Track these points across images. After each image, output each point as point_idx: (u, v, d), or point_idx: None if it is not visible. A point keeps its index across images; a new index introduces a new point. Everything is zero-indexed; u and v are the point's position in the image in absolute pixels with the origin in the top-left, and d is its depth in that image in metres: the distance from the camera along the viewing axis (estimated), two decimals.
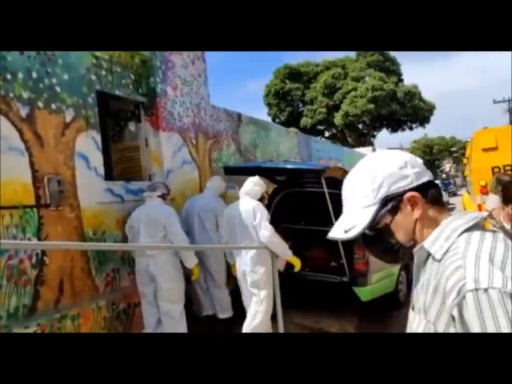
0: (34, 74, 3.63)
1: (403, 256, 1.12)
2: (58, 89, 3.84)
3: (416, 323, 1.04)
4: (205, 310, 4.73)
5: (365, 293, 4.74)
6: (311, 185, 5.19)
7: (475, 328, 0.85)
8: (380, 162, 1.07)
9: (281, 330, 3.95)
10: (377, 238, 1.09)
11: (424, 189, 1.05)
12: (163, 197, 4.30)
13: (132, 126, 5.34)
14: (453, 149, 49.40)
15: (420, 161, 1.11)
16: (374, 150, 22.11)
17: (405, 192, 1.04)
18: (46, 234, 3.60)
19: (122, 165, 5.32)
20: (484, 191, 6.85)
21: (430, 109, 28.57)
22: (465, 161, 10.40)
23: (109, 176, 4.72)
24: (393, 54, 28.84)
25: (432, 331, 0.97)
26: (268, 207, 5.45)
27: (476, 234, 0.97)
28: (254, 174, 5.70)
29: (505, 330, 0.83)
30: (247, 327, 4.02)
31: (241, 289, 4.20)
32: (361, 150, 18.89)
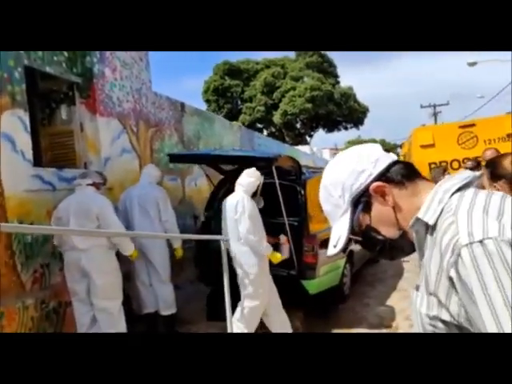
0: None
1: (403, 247, 1.04)
2: None
3: (419, 299, 0.95)
4: (146, 308, 4.42)
5: (313, 286, 4.67)
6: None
7: (475, 287, 0.76)
8: (336, 167, 1.05)
9: (229, 325, 3.76)
10: (366, 241, 1.05)
11: (389, 173, 0.99)
12: (96, 186, 3.90)
13: (65, 109, 4.88)
14: None
15: (376, 147, 1.05)
16: (311, 149, 22.57)
17: (368, 186, 0.99)
18: None
19: (53, 151, 4.84)
20: None
21: (363, 111, 29.68)
22: (402, 159, 10.83)
23: (38, 162, 4.27)
24: (331, 55, 29.65)
25: (436, 305, 0.88)
26: (214, 199, 5.24)
27: (470, 191, 0.90)
28: (200, 162, 5.47)
29: (507, 286, 0.72)
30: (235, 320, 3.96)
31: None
32: (300, 148, 19.14)
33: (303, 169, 4.90)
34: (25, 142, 3.79)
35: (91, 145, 4.76)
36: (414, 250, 1.03)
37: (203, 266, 5.08)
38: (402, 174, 0.99)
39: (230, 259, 3.96)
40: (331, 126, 30.44)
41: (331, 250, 1.04)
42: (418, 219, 0.93)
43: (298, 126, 29.74)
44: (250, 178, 4.16)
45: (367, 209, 1.01)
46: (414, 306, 1.00)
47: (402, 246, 1.03)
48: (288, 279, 4.71)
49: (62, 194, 4.04)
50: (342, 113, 28.15)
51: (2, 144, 3.51)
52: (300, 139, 28.93)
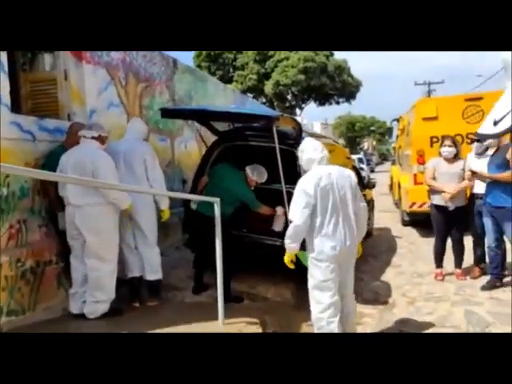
0: None
1: None
2: None
3: None
4: (131, 272, 4.16)
5: (307, 257, 4.45)
6: (256, 138, 4.72)
7: None
8: None
9: (220, 295, 3.53)
10: None
11: None
12: (101, 140, 3.76)
13: (48, 54, 4.44)
14: (372, 128, 51.89)
15: None
16: (302, 121, 22.22)
17: None
18: None
19: (34, 99, 4.43)
20: (421, 160, 6.89)
21: (356, 85, 29.27)
22: (398, 132, 10.57)
23: (17, 109, 3.90)
24: None
25: None
26: (207, 161, 4.92)
27: None
28: (194, 118, 5.10)
29: None
30: None
31: None
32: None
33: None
34: (2, 84, 3.42)
35: (76, 95, 4.38)
36: None
37: (191, 232, 4.82)
38: None
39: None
40: (323, 99, 30.01)
41: (487, 129, 0.83)
42: None
43: (289, 97, 29.24)
44: None
45: None
46: None
47: None
48: (281, 249, 4.49)
49: (43, 146, 3.73)
50: (335, 86, 27.72)
51: None
52: (291, 111, 28.50)
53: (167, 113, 4.65)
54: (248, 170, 4.40)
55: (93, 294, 3.63)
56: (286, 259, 3.22)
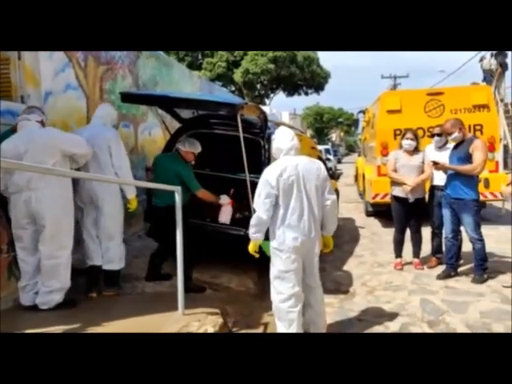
0: None
1: None
2: None
3: None
4: (91, 260, 4.02)
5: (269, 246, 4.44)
6: (220, 126, 4.65)
7: None
8: None
9: (180, 285, 3.48)
10: None
11: None
12: (42, 124, 3.64)
13: None
14: (339, 120, 52.49)
15: None
16: (271, 110, 22.15)
17: None
18: None
19: None
20: (385, 152, 7.00)
21: (325, 76, 29.41)
22: (364, 124, 10.70)
23: None
24: None
25: None
26: (170, 149, 4.81)
27: None
28: (156, 104, 4.96)
29: None
30: None
31: None
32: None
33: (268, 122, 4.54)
34: None
35: (30, 76, 4.15)
36: None
37: (153, 221, 4.72)
38: None
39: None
40: (292, 89, 30.02)
41: None
42: None
43: (259, 86, 29.10)
44: None
45: None
46: None
47: None
48: (244, 239, 4.45)
49: None
50: (304, 76, 27.74)
51: None
52: (259, 101, 28.38)
53: (128, 97, 4.49)
54: (179, 145, 4.39)
55: (46, 283, 3.49)
56: (251, 249, 3.19)
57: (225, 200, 4.49)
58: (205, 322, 3.38)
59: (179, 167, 4.20)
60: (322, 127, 50.03)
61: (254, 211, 3.10)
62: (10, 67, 4.14)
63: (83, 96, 4.88)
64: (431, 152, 5.06)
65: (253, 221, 3.09)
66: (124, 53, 5.90)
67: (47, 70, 4.28)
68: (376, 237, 6.92)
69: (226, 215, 4.48)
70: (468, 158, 4.40)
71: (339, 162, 32.40)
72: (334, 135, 58.77)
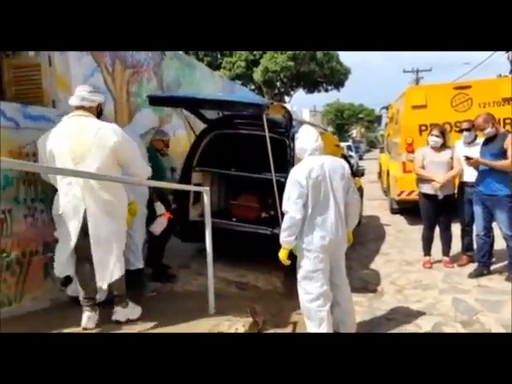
0: None
1: None
2: None
3: None
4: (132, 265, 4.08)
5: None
6: (246, 126, 4.67)
7: None
8: None
9: (210, 285, 3.52)
10: None
11: None
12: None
13: None
14: (360, 116, 51.95)
15: None
16: (292, 107, 22.10)
17: None
18: None
19: (18, 85, 4.30)
20: (410, 149, 6.90)
21: (345, 72, 29.14)
22: (387, 120, 10.56)
23: (0, 96, 3.79)
24: None
25: None
26: (195, 149, 4.87)
27: None
28: (183, 106, 5.01)
29: None
30: None
31: None
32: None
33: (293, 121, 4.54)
34: None
35: (60, 81, 4.26)
36: None
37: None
38: None
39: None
40: (311, 86, 29.85)
41: None
42: None
43: (278, 84, 29.03)
44: None
45: None
46: None
47: None
48: (271, 238, 4.47)
49: (27, 133, 3.62)
50: (324, 73, 27.54)
51: None
52: (279, 98, 28.31)
53: (155, 100, 4.57)
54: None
55: None
56: (282, 255, 3.11)
57: (160, 210, 4.20)
58: (235, 321, 3.41)
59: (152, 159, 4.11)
60: (342, 124, 49.60)
61: (283, 215, 3.09)
62: (41, 73, 4.26)
63: (111, 100, 4.97)
64: (460, 148, 4.97)
65: (285, 223, 3.05)
66: (149, 55, 5.98)
67: (77, 76, 4.38)
68: (402, 234, 6.84)
69: (157, 227, 4.18)
70: (502, 154, 4.29)
71: (361, 158, 32.08)
72: (355, 131, 58.18)
